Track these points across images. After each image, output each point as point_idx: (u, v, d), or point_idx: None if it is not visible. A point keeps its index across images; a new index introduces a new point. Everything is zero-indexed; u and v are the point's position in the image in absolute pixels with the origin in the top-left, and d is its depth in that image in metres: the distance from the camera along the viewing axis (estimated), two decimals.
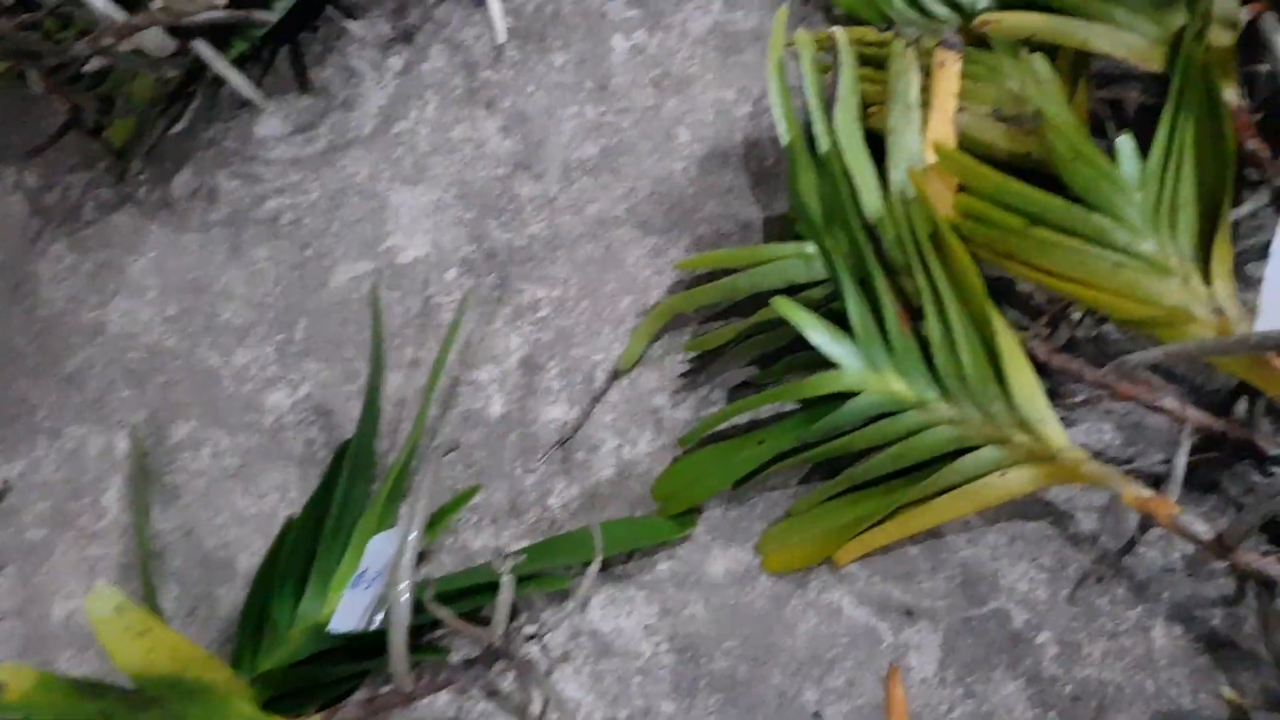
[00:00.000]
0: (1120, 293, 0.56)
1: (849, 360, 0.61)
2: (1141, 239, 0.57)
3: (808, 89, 0.66)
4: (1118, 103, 0.66)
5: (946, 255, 0.60)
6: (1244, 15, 0.58)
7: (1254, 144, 0.60)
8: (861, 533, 0.61)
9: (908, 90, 0.65)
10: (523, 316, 0.73)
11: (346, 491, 0.67)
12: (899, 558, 0.62)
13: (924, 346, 0.60)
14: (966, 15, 0.69)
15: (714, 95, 0.76)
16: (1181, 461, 0.57)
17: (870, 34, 0.68)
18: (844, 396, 0.61)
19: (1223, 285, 0.55)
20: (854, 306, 0.62)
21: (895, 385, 0.60)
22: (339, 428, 0.73)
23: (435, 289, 0.75)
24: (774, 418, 0.66)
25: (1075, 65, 0.66)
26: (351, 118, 0.82)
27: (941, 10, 0.71)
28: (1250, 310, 0.55)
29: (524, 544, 0.66)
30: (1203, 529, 0.52)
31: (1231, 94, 0.61)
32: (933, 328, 0.59)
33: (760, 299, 0.65)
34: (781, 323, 0.64)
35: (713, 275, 0.68)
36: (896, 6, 0.71)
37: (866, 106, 0.67)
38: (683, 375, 0.69)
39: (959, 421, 0.59)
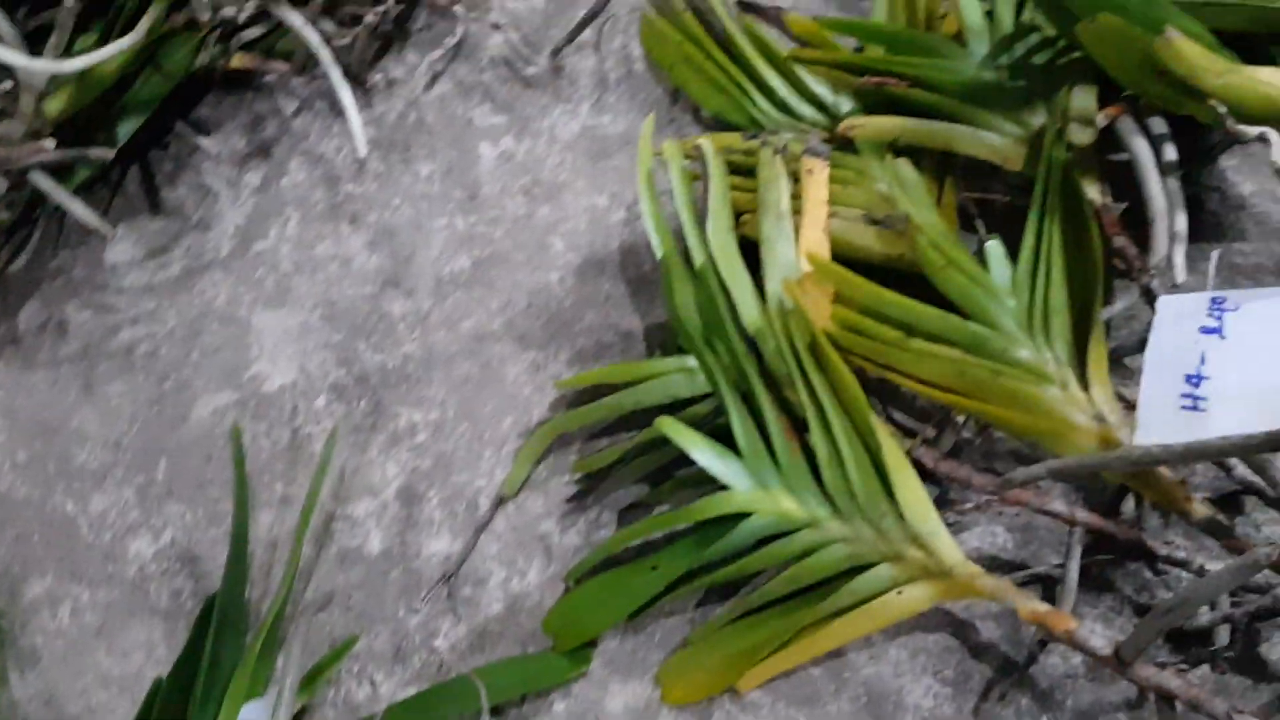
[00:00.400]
0: (1000, 402, 0.56)
1: (737, 480, 0.59)
2: (1017, 346, 0.57)
3: (678, 201, 0.64)
4: (986, 201, 0.66)
5: (827, 368, 0.59)
6: (1101, 118, 0.59)
7: (1121, 241, 0.60)
8: (763, 658, 0.59)
9: (778, 199, 0.64)
10: (399, 443, 0.70)
11: (215, 648, 0.62)
12: (802, 680, 0.60)
13: (813, 462, 0.59)
14: (833, 117, 0.69)
15: (586, 201, 0.74)
16: (1074, 567, 0.57)
17: (738, 141, 0.67)
18: (736, 517, 0.59)
19: (1100, 391, 0.55)
20: (738, 424, 0.60)
21: (786, 504, 0.59)
22: (207, 576, 0.68)
23: (304, 418, 0.71)
24: (667, 539, 0.63)
25: (941, 165, 0.66)
26: (208, 239, 0.78)
27: (808, 112, 0.70)
28: (1131, 409, 0.55)
29: (410, 692, 0.63)
30: (1100, 643, 0.52)
31: (1095, 191, 0.62)
32: (818, 443, 0.58)
33: (646, 414, 0.63)
34: (669, 439, 0.62)
35: (596, 390, 0.66)
36: (763, 109, 0.71)
37: (739, 214, 0.66)
38: (570, 499, 0.66)
39: (852, 539, 0.57)
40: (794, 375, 0.59)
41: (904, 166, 0.64)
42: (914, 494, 0.56)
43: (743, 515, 0.59)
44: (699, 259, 0.63)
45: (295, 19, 0.74)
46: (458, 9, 0.77)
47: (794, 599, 0.59)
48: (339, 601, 0.66)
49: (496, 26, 0.77)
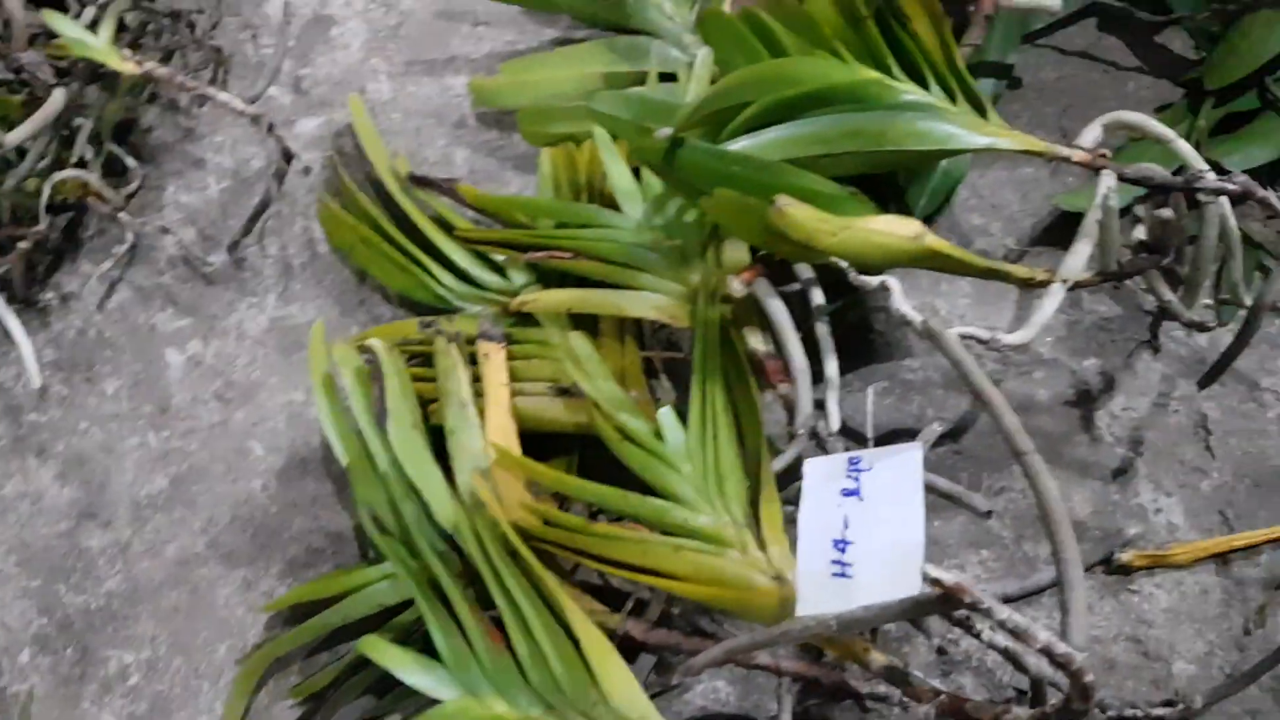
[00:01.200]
0: (685, 576, 0.56)
1: (446, 691, 0.58)
2: (696, 514, 0.57)
3: (355, 407, 0.63)
4: (672, 358, 0.67)
5: (519, 561, 0.58)
6: (738, 285, 0.61)
7: (786, 388, 0.62)
8: None
9: (458, 389, 0.63)
10: (111, 690, 0.66)
11: None
12: None
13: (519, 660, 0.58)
14: (518, 288, 0.69)
15: (283, 399, 0.72)
16: (786, 717, 0.58)
17: (414, 331, 0.67)
18: None
19: (777, 550, 0.56)
20: (438, 632, 0.58)
21: (497, 709, 0.57)
22: None
23: (9, 677, 0.67)
24: None
25: (621, 327, 0.67)
26: None
27: (493, 280, 0.70)
28: None
29: None
30: None
31: (757, 341, 0.63)
32: (518, 641, 0.57)
33: (361, 625, 0.62)
34: None
35: (313, 604, 0.64)
36: (448, 285, 0.71)
37: (428, 403, 0.65)
38: None
39: None
40: (485, 573, 0.58)
41: (577, 339, 0.64)
42: (619, 680, 0.56)
43: None
44: (383, 464, 0.62)
45: None
46: (123, 216, 0.74)
47: None
48: None
49: (166, 230, 0.75)
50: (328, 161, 0.77)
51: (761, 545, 0.57)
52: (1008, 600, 0.63)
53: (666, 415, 0.60)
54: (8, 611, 0.68)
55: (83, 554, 0.69)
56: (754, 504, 0.58)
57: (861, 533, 0.50)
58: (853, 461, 0.52)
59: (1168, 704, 0.56)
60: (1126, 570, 0.64)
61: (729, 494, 0.58)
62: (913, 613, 0.46)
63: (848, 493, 0.51)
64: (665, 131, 0.58)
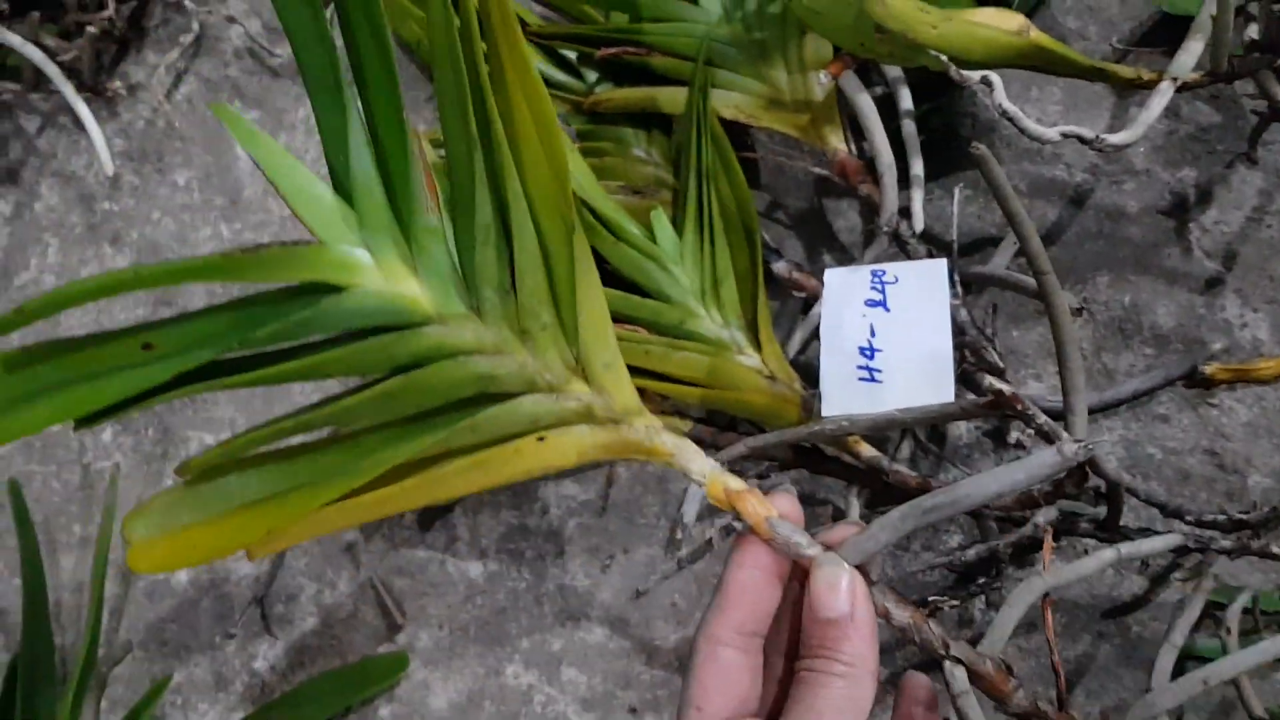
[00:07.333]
0: (682, 377, 0.57)
1: (339, 233, 0.36)
2: (694, 316, 0.58)
3: None
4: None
5: (510, 67, 0.36)
6: (824, 78, 0.59)
7: (867, 188, 0.61)
8: (308, 510, 0.37)
9: None
10: None
11: (27, 705, 0.62)
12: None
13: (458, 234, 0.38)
14: (590, 86, 0.67)
15: None
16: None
17: None
18: (323, 289, 0.35)
19: (772, 352, 0.58)
20: (355, 152, 0.36)
21: (406, 285, 0.37)
22: (19, 627, 0.67)
23: (93, 454, 0.70)
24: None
25: None
26: None
27: (565, 79, 0.69)
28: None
29: (237, 718, 0.63)
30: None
31: (837, 139, 0.62)
32: (460, 192, 0.37)
33: None
34: None
35: None
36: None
37: None
38: None
39: (491, 353, 0.38)
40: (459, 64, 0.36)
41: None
42: (595, 305, 0.39)
43: (334, 287, 0.35)
44: None
45: (11, 38, 0.69)
46: (188, 4, 0.72)
47: (386, 429, 0.38)
48: (153, 636, 0.66)
49: (232, 20, 0.73)
50: None
51: (757, 347, 0.59)
52: (1092, 412, 0.63)
53: (659, 217, 0.60)
54: None
55: None
56: (751, 311, 0.59)
57: (889, 341, 0.52)
58: (876, 274, 0.53)
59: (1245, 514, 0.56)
60: (1209, 384, 0.63)
61: (724, 298, 0.59)
62: (956, 416, 0.46)
63: (872, 303, 0.53)
64: None
